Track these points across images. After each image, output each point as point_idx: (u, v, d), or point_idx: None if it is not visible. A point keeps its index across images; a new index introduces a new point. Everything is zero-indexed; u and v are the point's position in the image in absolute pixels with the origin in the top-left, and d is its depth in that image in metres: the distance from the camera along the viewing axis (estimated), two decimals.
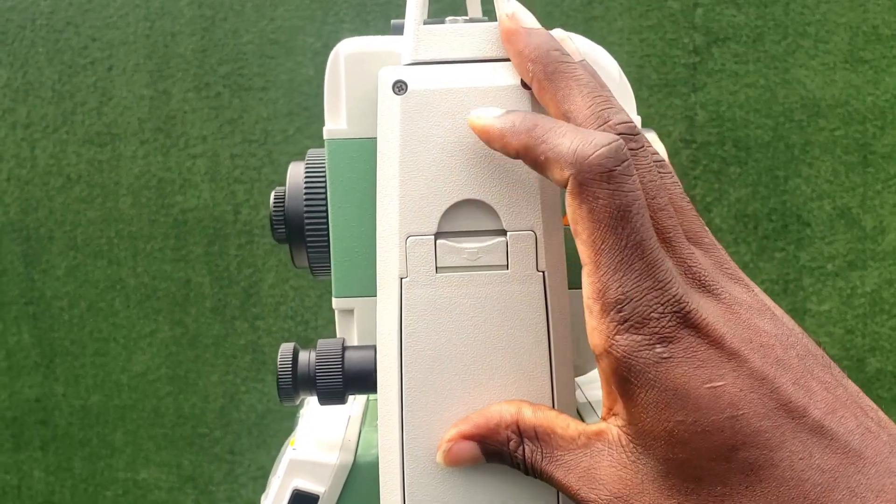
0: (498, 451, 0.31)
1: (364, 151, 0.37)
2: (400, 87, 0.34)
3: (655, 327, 0.27)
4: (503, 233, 0.33)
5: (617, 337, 0.27)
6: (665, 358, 0.27)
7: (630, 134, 0.29)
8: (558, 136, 0.28)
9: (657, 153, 0.31)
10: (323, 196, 0.37)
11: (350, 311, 0.38)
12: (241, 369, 0.88)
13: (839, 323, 0.86)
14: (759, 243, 0.84)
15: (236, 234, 0.86)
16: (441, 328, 0.33)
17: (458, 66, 0.34)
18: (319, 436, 0.39)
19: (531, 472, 0.31)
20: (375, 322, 0.35)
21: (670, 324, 0.27)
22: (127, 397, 0.90)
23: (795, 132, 0.83)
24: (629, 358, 0.27)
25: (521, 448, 0.30)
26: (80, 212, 0.88)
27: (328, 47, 0.88)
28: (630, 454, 0.28)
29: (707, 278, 0.29)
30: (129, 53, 0.86)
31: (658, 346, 0.27)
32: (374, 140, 0.36)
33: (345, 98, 0.37)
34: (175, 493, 0.90)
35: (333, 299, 0.38)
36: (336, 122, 0.37)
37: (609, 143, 0.27)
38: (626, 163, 0.27)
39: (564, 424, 0.30)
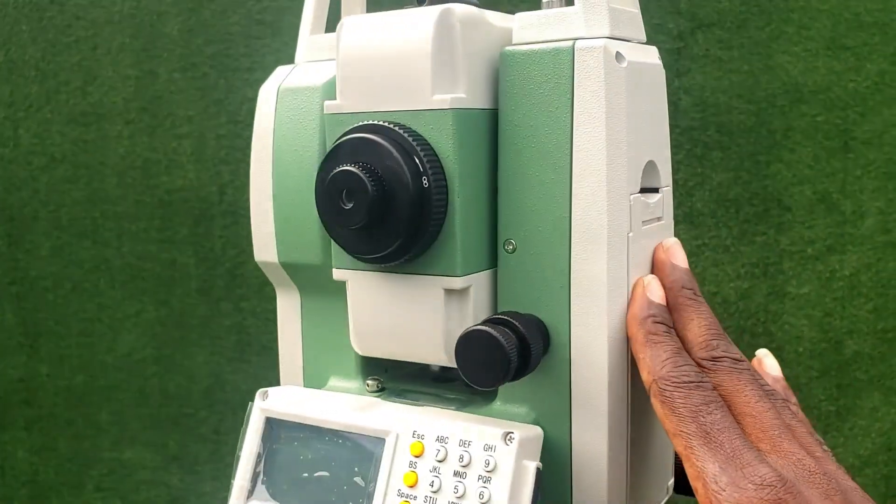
0: None
1: (481, 122, 0.37)
2: (620, 58, 0.36)
3: (755, 500, 0.31)
4: (657, 189, 0.38)
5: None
6: None
7: (732, 358, 0.36)
8: (649, 351, 0.36)
9: (758, 377, 0.37)
10: (441, 171, 0.36)
11: (466, 290, 0.37)
12: (227, 350, 0.88)
13: (818, 306, 0.87)
14: (740, 227, 0.85)
15: (221, 214, 0.86)
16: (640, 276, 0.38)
17: (635, 44, 0.39)
18: (491, 418, 0.39)
19: None
20: (485, 295, 0.38)
21: (767, 499, 0.31)
22: (112, 377, 0.90)
23: (777, 118, 0.84)
24: None
25: None
26: (65, 192, 0.87)
27: None
28: None
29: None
30: (115, 33, 0.85)
31: None
32: (487, 111, 0.37)
33: (462, 67, 0.36)
34: (160, 473, 0.91)
35: (456, 279, 0.37)
36: (452, 91, 0.36)
37: (692, 376, 0.34)
38: (703, 382, 0.34)
39: None
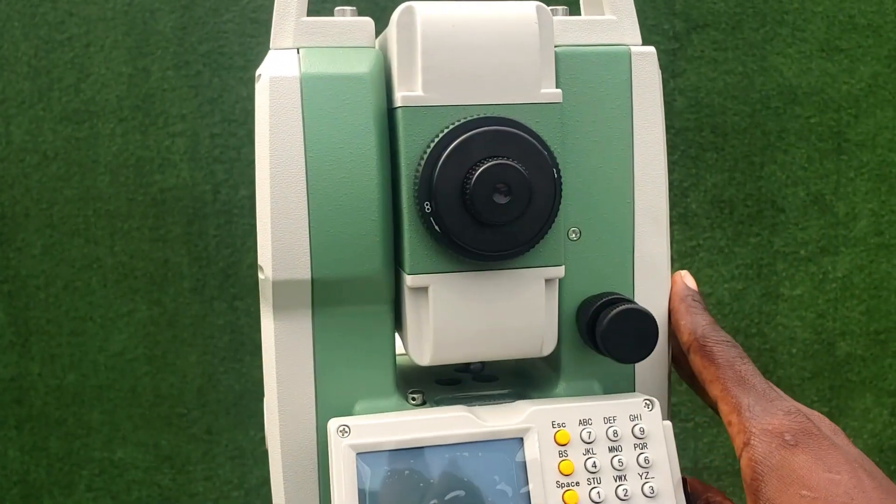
0: None
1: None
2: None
3: (784, 422, 0.36)
4: None
5: (753, 431, 0.36)
6: (792, 445, 0.35)
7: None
8: (689, 318, 0.41)
9: None
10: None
11: (557, 279, 0.39)
12: (220, 349, 0.88)
13: (811, 307, 0.87)
14: (734, 228, 0.85)
15: (215, 213, 0.86)
16: None
17: None
18: None
19: None
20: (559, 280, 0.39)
21: (795, 421, 0.36)
22: (104, 377, 0.89)
23: (772, 119, 0.85)
24: (763, 445, 0.35)
25: None
26: (57, 189, 0.87)
27: None
28: None
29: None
30: (108, 30, 0.85)
31: (787, 434, 0.35)
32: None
33: (553, 62, 0.38)
34: (152, 473, 0.90)
35: (560, 268, 0.38)
36: (552, 86, 0.38)
37: (728, 337, 0.41)
38: (736, 344, 0.40)
39: None
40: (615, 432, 0.38)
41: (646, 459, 0.37)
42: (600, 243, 0.40)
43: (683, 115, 0.84)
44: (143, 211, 0.87)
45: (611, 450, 0.37)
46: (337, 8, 0.43)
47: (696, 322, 0.40)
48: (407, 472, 0.36)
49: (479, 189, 0.35)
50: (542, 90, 0.37)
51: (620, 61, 0.40)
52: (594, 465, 0.37)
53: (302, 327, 0.39)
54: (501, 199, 0.35)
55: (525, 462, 0.37)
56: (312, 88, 0.38)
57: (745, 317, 0.86)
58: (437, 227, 0.36)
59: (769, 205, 0.86)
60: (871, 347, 0.88)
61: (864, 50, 0.84)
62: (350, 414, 0.39)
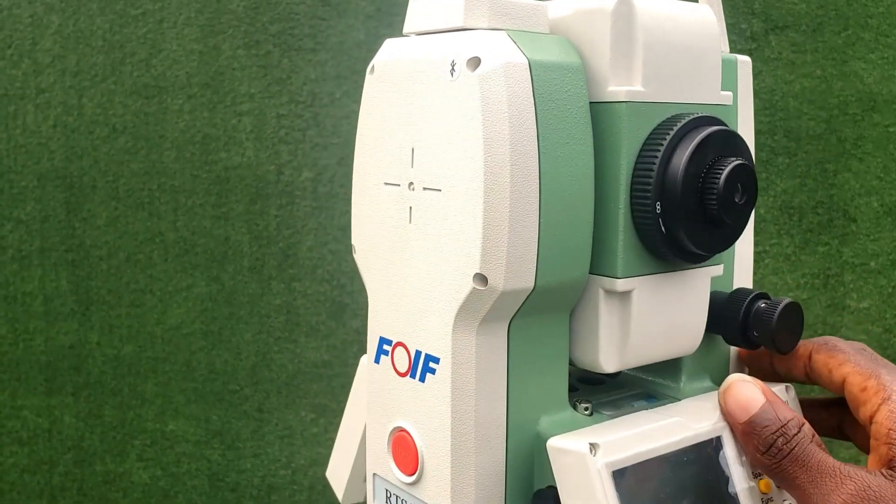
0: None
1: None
2: None
3: None
4: None
5: (895, 388, 0.38)
6: None
7: None
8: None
9: None
10: None
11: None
12: (275, 329, 0.88)
13: (877, 321, 0.85)
14: (802, 236, 0.83)
15: (278, 194, 0.87)
16: None
17: None
18: None
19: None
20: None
21: None
22: (160, 349, 0.90)
23: (849, 126, 0.82)
24: None
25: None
26: (124, 163, 0.88)
27: (381, 11, 0.87)
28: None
29: None
30: (181, 7, 0.85)
31: None
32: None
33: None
34: (202, 447, 0.91)
35: (721, 267, 0.39)
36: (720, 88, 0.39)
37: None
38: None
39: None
40: None
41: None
42: None
43: (756, 118, 0.82)
44: (206, 188, 0.87)
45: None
46: None
47: (806, 340, 0.42)
48: (647, 482, 0.35)
49: (727, 190, 0.34)
50: (721, 91, 0.38)
51: (731, 68, 0.41)
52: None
53: (499, 340, 0.35)
54: (740, 199, 0.35)
55: (726, 457, 0.38)
56: (543, 79, 0.33)
57: (809, 327, 0.84)
58: (663, 228, 0.34)
59: (840, 213, 0.83)
60: None
61: None
62: (535, 430, 0.37)
